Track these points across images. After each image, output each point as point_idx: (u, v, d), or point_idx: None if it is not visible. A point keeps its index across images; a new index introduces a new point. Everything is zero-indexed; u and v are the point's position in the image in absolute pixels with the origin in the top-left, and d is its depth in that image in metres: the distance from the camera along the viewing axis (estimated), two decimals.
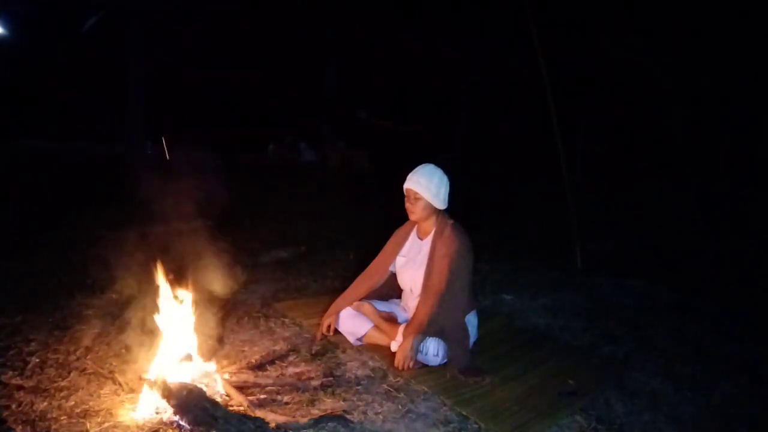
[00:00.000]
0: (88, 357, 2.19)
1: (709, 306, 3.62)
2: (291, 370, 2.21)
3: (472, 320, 2.51)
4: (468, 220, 2.56)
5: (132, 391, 1.94)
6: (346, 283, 2.84)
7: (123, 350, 2.27)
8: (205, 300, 2.70)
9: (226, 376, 2.10)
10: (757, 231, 6.16)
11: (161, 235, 4.38)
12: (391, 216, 2.90)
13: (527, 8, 4.17)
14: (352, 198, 7.27)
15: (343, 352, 2.44)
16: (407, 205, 2.48)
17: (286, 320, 2.79)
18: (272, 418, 1.78)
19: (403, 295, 2.68)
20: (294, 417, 1.83)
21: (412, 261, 2.54)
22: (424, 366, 2.29)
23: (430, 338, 2.27)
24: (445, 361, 2.29)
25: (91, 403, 1.85)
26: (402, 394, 2.07)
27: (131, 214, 5.00)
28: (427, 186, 2.41)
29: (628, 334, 2.97)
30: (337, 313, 2.58)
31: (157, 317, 2.06)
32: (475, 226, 2.65)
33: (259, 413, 1.81)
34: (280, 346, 2.44)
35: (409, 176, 2.45)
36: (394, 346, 2.35)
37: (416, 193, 2.42)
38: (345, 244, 4.60)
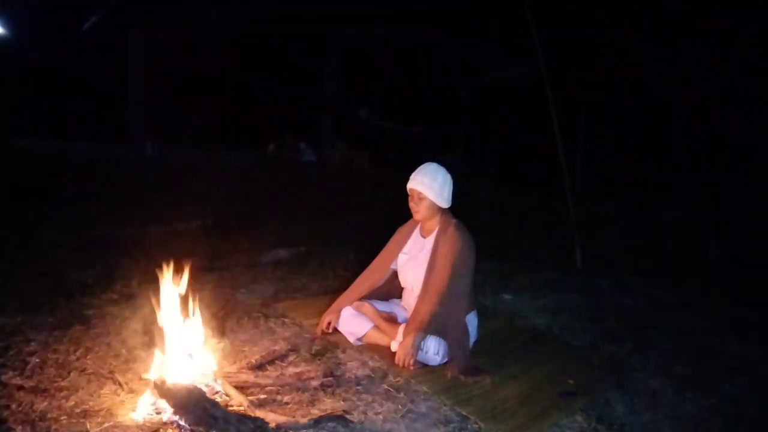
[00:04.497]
0: (88, 357, 2.19)
1: (709, 306, 3.62)
2: (291, 370, 2.21)
3: (472, 320, 2.51)
4: (468, 220, 2.56)
5: (132, 391, 1.94)
6: (346, 283, 2.84)
7: (123, 350, 2.27)
8: (205, 300, 2.70)
9: (227, 374, 2.09)
10: (757, 230, 6.16)
11: (161, 235, 4.40)
12: (391, 216, 2.90)
13: (527, 8, 4.17)
14: (352, 198, 7.27)
15: (343, 352, 2.44)
16: (411, 204, 2.49)
17: (286, 320, 2.78)
18: (272, 418, 1.78)
19: (404, 293, 2.68)
20: (294, 417, 1.83)
21: (414, 259, 2.54)
22: (424, 366, 2.29)
23: (431, 337, 2.27)
24: (446, 360, 2.29)
25: (91, 403, 1.84)
26: (402, 394, 2.07)
27: (131, 213, 5.02)
28: (431, 185, 2.41)
29: (628, 334, 2.96)
30: (339, 311, 2.58)
31: (157, 317, 2.05)
32: (475, 225, 2.65)
33: (259, 413, 1.81)
34: (280, 346, 2.44)
35: (413, 176, 2.45)
36: (394, 346, 2.35)
37: (420, 193, 2.42)
38: (345, 244, 4.60)
